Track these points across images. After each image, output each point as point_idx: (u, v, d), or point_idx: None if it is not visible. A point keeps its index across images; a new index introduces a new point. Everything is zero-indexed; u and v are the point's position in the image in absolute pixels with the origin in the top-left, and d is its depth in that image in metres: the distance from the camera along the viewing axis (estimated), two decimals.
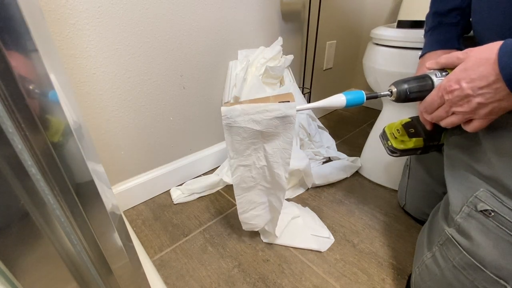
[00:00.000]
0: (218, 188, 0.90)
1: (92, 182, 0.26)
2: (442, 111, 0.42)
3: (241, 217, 0.64)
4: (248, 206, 0.62)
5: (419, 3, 0.80)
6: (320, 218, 0.77)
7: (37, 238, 0.24)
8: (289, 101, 0.48)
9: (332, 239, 0.70)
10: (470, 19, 0.50)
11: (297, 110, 0.48)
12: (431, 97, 0.43)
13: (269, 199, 0.62)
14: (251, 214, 0.64)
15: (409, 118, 0.60)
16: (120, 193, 0.80)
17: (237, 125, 0.49)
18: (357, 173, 0.95)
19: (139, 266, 0.37)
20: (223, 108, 0.49)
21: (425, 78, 0.43)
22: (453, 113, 0.41)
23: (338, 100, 0.44)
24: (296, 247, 0.68)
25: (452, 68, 0.41)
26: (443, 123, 0.43)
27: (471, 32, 0.54)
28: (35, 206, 0.23)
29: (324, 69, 1.32)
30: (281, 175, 0.55)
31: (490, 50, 0.35)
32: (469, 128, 0.40)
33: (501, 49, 0.33)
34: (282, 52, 0.92)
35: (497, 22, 0.41)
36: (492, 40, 0.35)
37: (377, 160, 0.89)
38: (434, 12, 0.55)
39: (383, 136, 0.63)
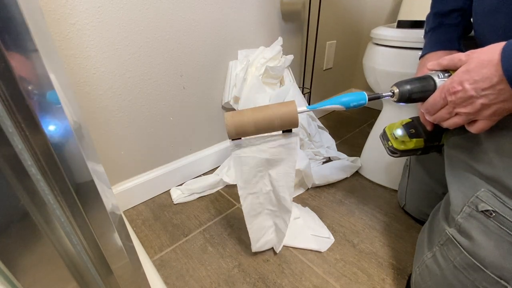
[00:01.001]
0: (218, 188, 0.90)
1: (92, 182, 0.26)
2: (445, 112, 0.42)
3: (255, 248, 0.65)
4: (259, 234, 0.64)
5: (419, 3, 0.80)
6: (320, 218, 0.77)
7: (37, 238, 0.24)
8: (291, 130, 0.50)
9: (332, 239, 0.70)
10: (471, 20, 0.50)
11: (299, 113, 0.48)
12: (434, 98, 0.43)
13: (275, 221, 0.64)
14: (263, 241, 0.65)
15: (410, 118, 0.60)
16: (120, 193, 0.80)
17: (245, 155, 0.52)
18: (357, 173, 0.95)
19: (139, 266, 0.37)
20: (231, 143, 0.51)
21: (427, 79, 0.43)
22: (456, 114, 0.41)
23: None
24: (296, 247, 0.68)
25: (454, 70, 0.41)
26: (445, 124, 0.43)
27: (472, 32, 0.54)
28: (35, 206, 0.23)
29: (324, 69, 1.32)
30: (286, 198, 0.57)
31: (493, 51, 0.35)
32: (473, 129, 0.40)
33: (503, 51, 0.33)
34: (282, 52, 0.92)
35: (498, 24, 0.41)
36: (493, 41, 0.35)
37: (377, 160, 0.89)
38: (435, 13, 0.55)
39: (384, 136, 0.63)
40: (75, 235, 0.27)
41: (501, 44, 0.34)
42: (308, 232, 0.71)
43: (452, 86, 0.39)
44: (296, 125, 0.49)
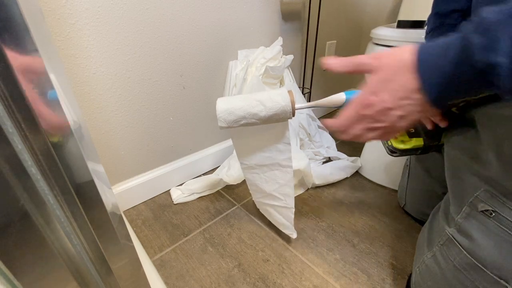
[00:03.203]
0: (218, 188, 0.90)
1: (92, 182, 0.26)
2: (361, 129, 0.38)
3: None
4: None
5: (419, 3, 0.80)
6: (320, 218, 0.77)
7: (37, 238, 0.24)
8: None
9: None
10: None
11: (296, 109, 0.48)
12: (346, 115, 0.38)
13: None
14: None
15: None
16: (120, 193, 0.80)
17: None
18: (357, 173, 0.95)
19: (139, 266, 0.37)
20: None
21: None
22: (371, 129, 0.37)
23: (337, 99, 0.44)
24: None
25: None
26: (361, 141, 0.40)
27: None
28: (35, 206, 0.23)
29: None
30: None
31: (406, 56, 0.32)
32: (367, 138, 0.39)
33: (419, 54, 0.31)
34: (282, 52, 0.92)
35: None
36: None
37: (377, 160, 0.89)
38: (436, 13, 0.55)
39: None
40: (75, 235, 0.27)
41: (412, 48, 0.32)
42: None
43: (365, 98, 0.35)
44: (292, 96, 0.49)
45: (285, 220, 0.67)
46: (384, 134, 0.38)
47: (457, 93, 0.31)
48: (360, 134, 0.39)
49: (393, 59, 0.33)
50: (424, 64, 0.31)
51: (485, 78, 0.28)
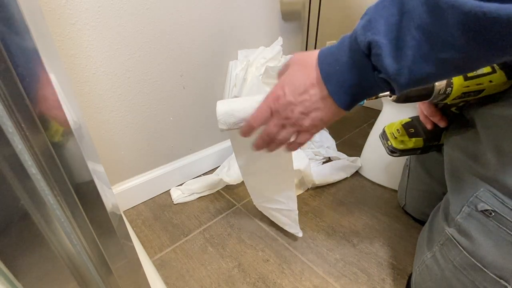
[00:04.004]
0: (218, 188, 0.90)
1: (92, 182, 0.26)
2: (272, 125, 0.37)
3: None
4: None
5: None
6: (320, 218, 0.77)
7: (37, 238, 0.24)
8: None
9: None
10: None
11: None
12: (260, 109, 0.37)
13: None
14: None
15: (409, 118, 0.60)
16: (120, 193, 0.80)
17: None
18: (357, 173, 0.95)
19: (139, 266, 0.37)
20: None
21: None
22: (283, 126, 0.37)
23: None
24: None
25: None
26: (278, 141, 0.39)
27: None
28: (35, 206, 0.23)
29: None
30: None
31: (315, 52, 0.33)
32: (293, 145, 0.37)
33: (321, 49, 0.33)
34: (282, 52, 0.92)
35: None
36: None
37: (377, 160, 0.89)
38: None
39: (383, 136, 0.63)
40: (75, 235, 0.27)
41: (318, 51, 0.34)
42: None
43: (275, 91, 0.35)
44: None
45: (289, 221, 0.67)
46: (298, 134, 0.37)
47: (355, 85, 0.32)
48: (276, 131, 0.38)
49: (305, 55, 0.35)
50: (322, 56, 0.33)
51: (371, 61, 0.29)
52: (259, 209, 0.76)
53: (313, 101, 0.33)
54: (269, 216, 0.74)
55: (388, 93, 0.45)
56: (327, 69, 0.32)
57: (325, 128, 1.11)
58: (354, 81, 0.31)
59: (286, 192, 0.62)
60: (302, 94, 0.33)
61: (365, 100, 0.44)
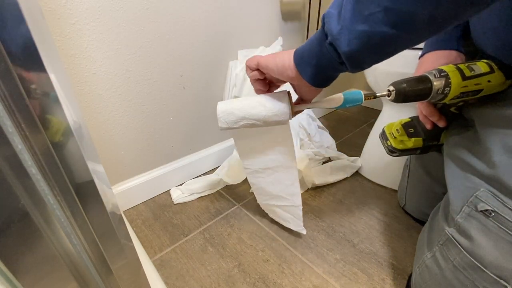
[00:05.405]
0: (218, 188, 0.90)
1: (92, 182, 0.26)
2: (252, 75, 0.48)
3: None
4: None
5: None
6: (320, 218, 0.77)
7: (37, 238, 0.24)
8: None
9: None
10: None
11: (296, 109, 0.48)
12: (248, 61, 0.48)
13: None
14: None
15: (409, 118, 0.60)
16: (120, 193, 0.80)
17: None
18: (357, 173, 0.95)
19: (139, 266, 0.37)
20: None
21: (423, 78, 0.43)
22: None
23: (336, 99, 0.44)
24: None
25: (451, 70, 0.41)
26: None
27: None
28: (35, 206, 0.23)
29: None
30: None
31: (289, 53, 0.41)
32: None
33: (295, 52, 0.41)
34: None
35: (492, 25, 0.41)
36: (489, 42, 0.35)
37: (377, 160, 0.89)
38: None
39: (383, 135, 0.63)
40: (75, 235, 0.27)
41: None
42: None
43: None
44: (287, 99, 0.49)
45: (293, 217, 0.68)
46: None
47: (313, 56, 0.38)
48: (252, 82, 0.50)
49: (283, 52, 0.43)
50: (298, 51, 0.40)
51: (324, 30, 0.35)
52: (263, 207, 0.76)
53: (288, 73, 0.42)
54: (272, 214, 0.74)
55: (386, 93, 0.45)
56: (299, 50, 0.40)
57: (325, 128, 1.11)
58: (312, 52, 0.38)
59: (290, 188, 0.63)
60: (280, 67, 0.42)
61: (363, 100, 0.44)
